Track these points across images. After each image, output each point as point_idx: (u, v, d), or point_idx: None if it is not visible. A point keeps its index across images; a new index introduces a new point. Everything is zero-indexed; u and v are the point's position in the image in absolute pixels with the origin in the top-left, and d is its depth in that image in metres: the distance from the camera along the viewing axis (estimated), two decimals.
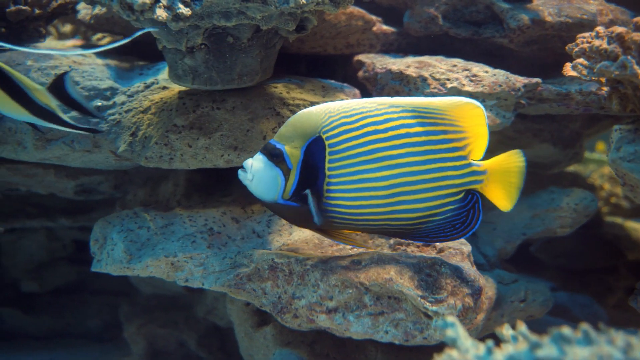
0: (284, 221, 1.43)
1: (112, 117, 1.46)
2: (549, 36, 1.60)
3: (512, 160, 1.21)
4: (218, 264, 1.32)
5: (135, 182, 1.82)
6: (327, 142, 1.17)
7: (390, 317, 1.21)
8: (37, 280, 2.26)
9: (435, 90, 1.51)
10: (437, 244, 1.38)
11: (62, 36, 2.22)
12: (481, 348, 0.86)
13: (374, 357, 1.35)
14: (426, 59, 1.60)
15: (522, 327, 0.83)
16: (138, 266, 1.33)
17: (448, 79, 1.50)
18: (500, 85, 1.49)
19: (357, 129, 1.16)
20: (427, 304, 1.18)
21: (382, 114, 1.16)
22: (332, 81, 1.62)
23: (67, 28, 2.24)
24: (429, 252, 1.37)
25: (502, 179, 1.20)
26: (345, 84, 1.63)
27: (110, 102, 1.48)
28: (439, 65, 1.55)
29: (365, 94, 1.66)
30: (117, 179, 1.84)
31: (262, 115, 1.41)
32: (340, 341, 1.38)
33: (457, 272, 1.24)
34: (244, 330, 1.58)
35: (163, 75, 1.55)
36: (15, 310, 2.26)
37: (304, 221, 1.22)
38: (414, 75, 1.54)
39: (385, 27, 1.79)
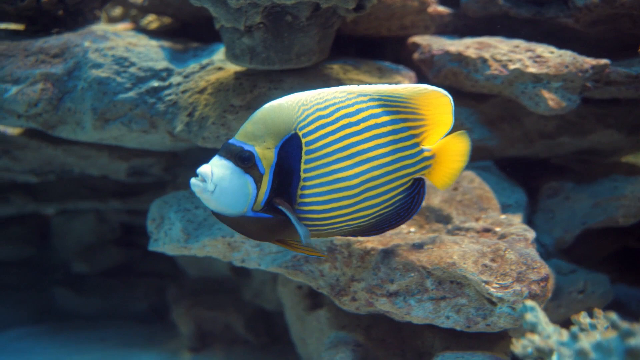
0: None
1: (169, 98, 1.46)
2: (618, 15, 1.53)
3: (459, 141, 1.15)
4: (275, 247, 1.31)
5: (185, 165, 1.83)
6: (303, 140, 1.03)
7: (452, 302, 1.18)
8: (87, 262, 2.31)
9: (497, 72, 1.46)
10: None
11: (112, 20, 2.25)
12: (564, 334, 0.83)
13: (431, 344, 1.32)
14: (486, 39, 1.55)
15: (612, 314, 0.79)
16: (195, 246, 1.34)
17: (510, 60, 1.45)
18: (566, 67, 1.42)
19: (333, 122, 1.04)
20: (492, 289, 1.15)
21: (353, 104, 1.06)
22: (388, 63, 1.59)
23: (117, 12, 2.26)
24: (490, 238, 1.33)
25: (446, 160, 1.15)
26: (400, 66, 1.59)
27: (167, 83, 1.49)
28: (500, 46, 1.49)
29: (420, 76, 1.62)
30: (168, 161, 1.85)
31: None
32: (397, 326, 1.36)
33: (523, 258, 1.20)
34: (296, 313, 1.58)
35: (218, 56, 1.54)
36: (66, 290, 2.32)
37: (271, 234, 1.08)
38: (473, 56, 1.50)
39: (440, 9, 1.74)
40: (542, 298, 1.19)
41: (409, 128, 1.10)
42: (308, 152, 1.03)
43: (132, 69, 1.48)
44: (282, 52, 1.34)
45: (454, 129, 1.15)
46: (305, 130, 1.03)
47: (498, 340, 1.28)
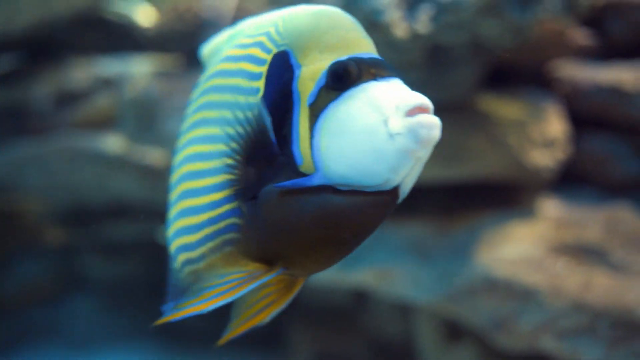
0: (488, 233, 1.40)
1: None
2: None
3: None
4: (428, 277, 1.32)
5: None
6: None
7: (629, 344, 1.14)
8: None
9: None
10: None
11: None
12: None
13: None
14: None
15: None
16: (349, 275, 1.37)
17: None
18: None
19: None
20: None
21: None
22: (532, 93, 1.57)
23: None
24: None
25: None
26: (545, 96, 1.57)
27: None
28: None
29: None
30: None
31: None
32: None
33: None
34: (433, 343, 1.57)
35: None
36: None
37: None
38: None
39: (581, 35, 1.70)
40: None
41: None
42: None
43: None
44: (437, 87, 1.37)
45: None
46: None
47: None
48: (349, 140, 0.55)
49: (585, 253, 1.38)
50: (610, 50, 1.68)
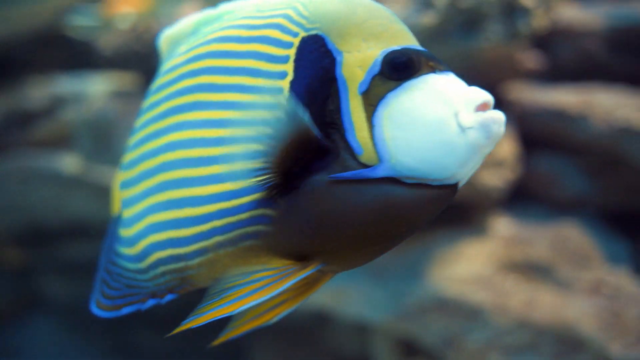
0: (440, 252, 1.43)
1: None
2: None
3: None
4: (382, 297, 1.34)
5: None
6: None
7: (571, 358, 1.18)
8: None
9: None
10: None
11: None
12: None
13: None
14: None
15: None
16: None
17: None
18: None
19: None
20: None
21: None
22: None
23: None
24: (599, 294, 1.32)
25: None
26: None
27: None
28: None
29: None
30: None
31: None
32: None
33: None
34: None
35: None
36: (144, 329, 2.39)
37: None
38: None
39: (531, 57, 1.76)
40: None
41: None
42: None
43: None
44: None
45: None
46: None
47: None
48: (418, 132, 0.53)
49: (533, 270, 1.42)
50: (559, 72, 1.75)
